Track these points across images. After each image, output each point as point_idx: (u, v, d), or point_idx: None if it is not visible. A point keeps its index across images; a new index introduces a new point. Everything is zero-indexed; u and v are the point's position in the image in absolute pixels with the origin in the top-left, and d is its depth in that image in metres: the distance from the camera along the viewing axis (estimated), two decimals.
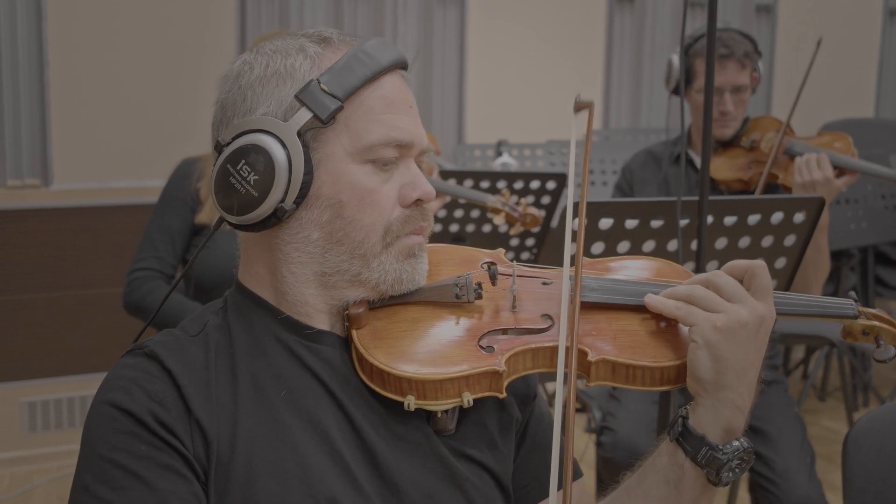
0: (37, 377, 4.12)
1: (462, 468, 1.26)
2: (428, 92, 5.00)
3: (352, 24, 4.73)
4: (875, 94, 6.27)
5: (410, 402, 1.18)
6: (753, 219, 2.14)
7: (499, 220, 2.85)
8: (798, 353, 5.49)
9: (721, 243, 2.14)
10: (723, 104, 2.97)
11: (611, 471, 2.83)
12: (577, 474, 1.43)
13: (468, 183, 2.97)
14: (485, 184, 2.98)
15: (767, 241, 2.17)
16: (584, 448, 3.56)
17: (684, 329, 1.24)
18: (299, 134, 1.18)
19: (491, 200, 2.84)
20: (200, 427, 1.15)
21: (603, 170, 4.49)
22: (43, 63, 4.06)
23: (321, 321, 1.25)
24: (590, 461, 3.30)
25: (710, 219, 2.07)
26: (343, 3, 4.70)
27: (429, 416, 1.25)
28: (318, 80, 1.18)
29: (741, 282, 1.23)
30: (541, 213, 2.90)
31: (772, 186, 2.99)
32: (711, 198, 2.03)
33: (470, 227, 3.02)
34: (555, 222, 3.17)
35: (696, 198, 2.00)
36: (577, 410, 3.58)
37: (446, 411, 1.24)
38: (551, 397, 2.74)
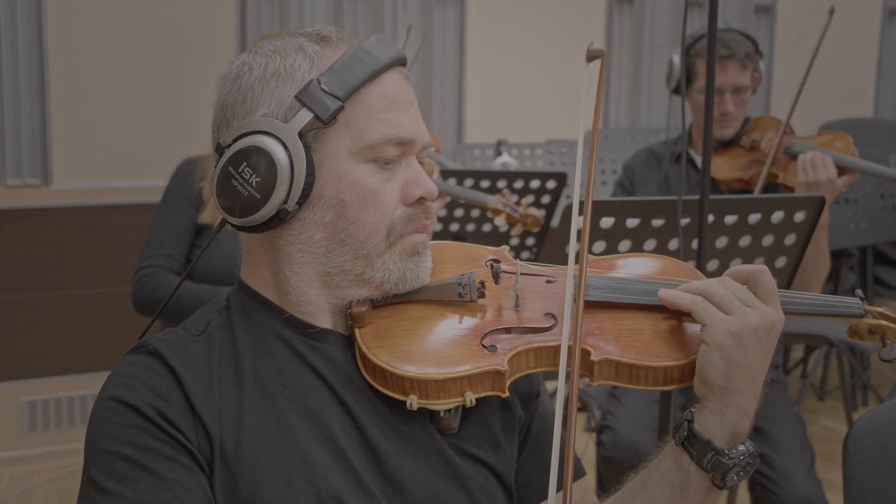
0: (36, 376, 4.11)
1: (465, 467, 1.26)
2: (427, 92, 5.00)
3: (351, 25, 4.73)
4: (874, 94, 6.27)
5: (413, 402, 1.18)
6: (754, 218, 2.14)
7: (499, 220, 2.85)
8: (797, 352, 5.49)
9: (722, 242, 2.14)
10: (723, 104, 2.97)
11: (611, 470, 2.83)
12: (580, 473, 1.43)
13: (468, 182, 2.96)
14: (485, 183, 2.98)
15: (768, 241, 2.18)
16: (585, 447, 3.55)
17: (689, 329, 1.24)
18: (300, 135, 1.18)
19: (492, 201, 2.83)
20: (203, 424, 1.15)
21: (602, 169, 4.49)
22: (43, 63, 4.06)
23: (324, 320, 1.25)
24: (590, 460, 3.30)
25: (710, 218, 2.07)
26: (343, 3, 4.70)
27: (432, 414, 1.25)
28: (317, 80, 1.18)
29: (746, 286, 1.22)
30: (541, 214, 2.89)
31: (772, 186, 3.00)
32: (712, 197, 2.04)
33: (470, 227, 3.02)
34: (555, 222, 3.17)
35: (697, 197, 2.00)
36: (577, 409, 3.58)
37: (449, 410, 1.24)
38: (552, 395, 2.74)
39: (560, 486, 1.05)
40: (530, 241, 3.10)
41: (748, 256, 2.18)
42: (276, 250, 1.24)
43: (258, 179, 1.17)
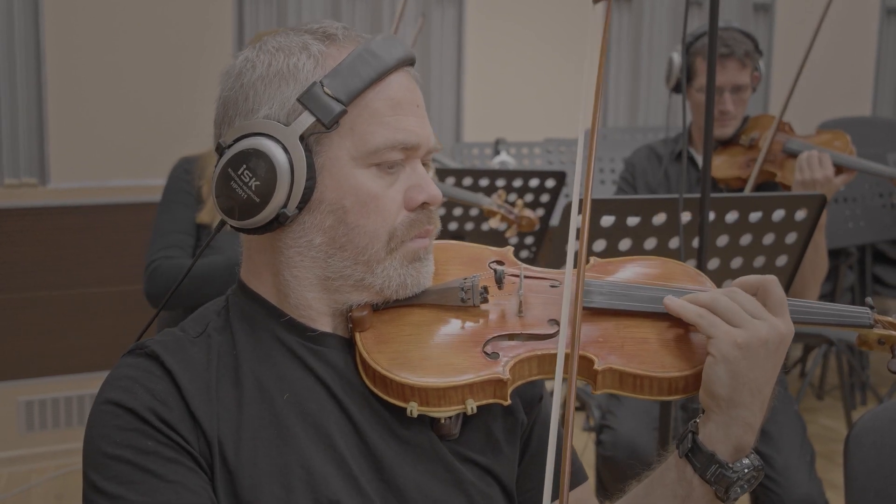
0: (34, 376, 4.10)
1: (466, 472, 1.24)
2: (426, 91, 4.99)
3: (349, 24, 4.71)
4: (872, 92, 6.27)
5: (413, 409, 1.16)
6: (755, 216, 2.13)
7: (494, 222, 2.83)
8: (795, 351, 5.49)
9: (722, 241, 2.13)
10: (722, 103, 2.97)
11: (611, 470, 2.82)
12: (581, 478, 1.40)
13: (467, 181, 2.95)
14: (484, 182, 2.97)
15: (769, 239, 2.17)
16: (584, 447, 3.55)
17: (695, 339, 1.22)
18: (302, 138, 1.15)
19: (487, 202, 2.80)
20: (202, 429, 1.14)
21: (601, 168, 4.48)
22: (40, 61, 4.04)
23: (324, 324, 1.24)
24: (589, 460, 3.29)
25: (711, 216, 2.07)
26: (341, 3, 4.69)
27: (432, 420, 1.23)
28: (321, 82, 1.16)
29: (755, 296, 1.20)
30: (537, 217, 2.88)
31: (770, 185, 2.99)
32: (713, 195, 2.03)
33: (469, 226, 3.01)
34: (554, 220, 3.17)
35: (697, 195, 2.00)
36: (577, 409, 3.57)
37: (450, 417, 1.23)
38: (551, 393, 2.73)
39: (556, 494, 1.03)
40: (529, 241, 3.10)
41: (749, 255, 2.17)
42: (275, 253, 1.23)
43: (257, 183, 1.15)
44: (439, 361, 1.18)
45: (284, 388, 1.19)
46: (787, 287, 2.25)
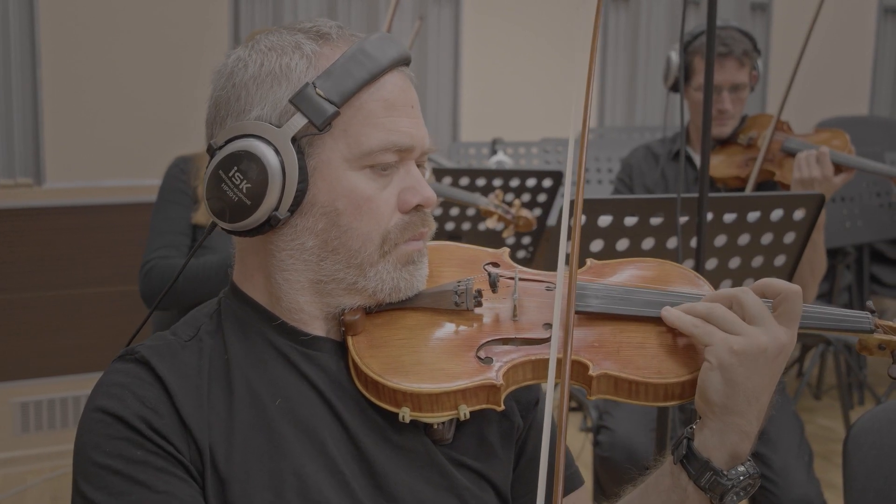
0: (29, 377, 4.09)
1: (461, 477, 1.22)
2: (423, 90, 4.99)
3: (345, 24, 4.70)
4: (870, 91, 6.27)
5: (406, 414, 1.14)
6: (753, 216, 2.12)
7: (492, 222, 2.82)
8: (793, 350, 5.48)
9: (721, 240, 2.12)
10: (721, 102, 2.96)
11: (608, 471, 2.81)
12: (577, 483, 1.39)
13: (464, 181, 2.94)
14: (481, 181, 2.96)
15: (767, 239, 2.16)
16: (581, 447, 3.54)
17: (693, 344, 1.19)
18: (294, 140, 1.14)
19: (483, 203, 2.79)
20: (193, 436, 1.12)
21: (598, 168, 4.47)
22: (35, 61, 4.03)
23: (317, 327, 1.22)
24: (586, 461, 3.28)
25: (709, 216, 2.06)
26: (337, 1, 4.68)
27: (426, 424, 1.21)
28: (313, 83, 1.14)
29: (771, 301, 1.18)
30: (533, 217, 2.87)
31: (769, 184, 2.98)
32: (711, 195, 2.02)
33: (466, 226, 3.00)
34: (551, 220, 3.16)
35: (695, 195, 1.99)
36: (574, 409, 3.56)
37: (443, 423, 1.21)
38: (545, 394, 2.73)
39: (549, 500, 1.01)
40: (526, 241, 3.09)
41: (747, 255, 2.16)
42: (267, 255, 1.21)
43: (248, 185, 1.13)
44: (432, 367, 1.16)
45: (276, 394, 1.17)
46: None
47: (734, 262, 2.17)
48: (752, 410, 1.14)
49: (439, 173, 2.89)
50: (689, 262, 2.05)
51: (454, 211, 2.96)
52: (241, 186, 1.14)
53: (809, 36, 2.86)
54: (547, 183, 3.02)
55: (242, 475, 1.12)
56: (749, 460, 1.16)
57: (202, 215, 2.69)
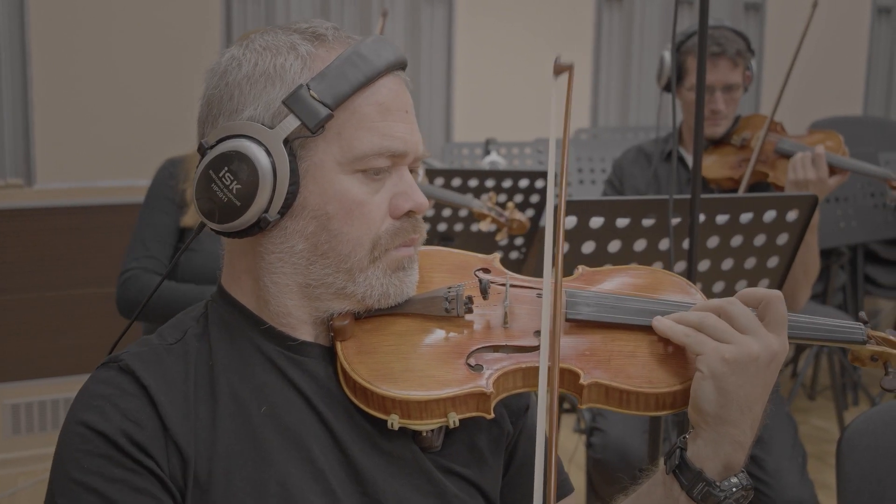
0: (21, 379, 4.07)
1: (450, 485, 1.21)
2: (416, 90, 4.96)
3: (338, 24, 4.68)
4: (863, 92, 6.27)
5: (394, 421, 1.13)
6: (746, 217, 2.12)
7: (485, 225, 2.81)
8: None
9: (713, 242, 2.11)
10: (714, 103, 2.95)
11: (602, 473, 2.80)
12: (567, 490, 1.38)
13: (456, 181, 2.93)
14: (473, 182, 2.95)
15: (760, 240, 2.15)
16: (574, 449, 3.53)
17: (685, 353, 1.18)
18: (286, 142, 1.12)
19: (476, 205, 2.78)
20: (177, 446, 1.10)
21: (592, 168, 4.46)
22: (26, 60, 4.01)
23: (305, 332, 1.21)
24: (579, 462, 3.27)
25: (702, 217, 2.05)
26: (330, 2, 4.67)
27: (415, 432, 1.20)
28: (307, 85, 1.13)
29: (756, 310, 1.17)
30: (527, 219, 2.86)
31: (762, 185, 2.98)
32: (703, 196, 2.01)
33: (458, 227, 2.99)
34: (544, 221, 3.15)
35: (688, 196, 1.98)
36: (567, 410, 3.56)
37: (432, 430, 1.20)
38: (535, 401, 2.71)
39: None
40: (519, 241, 3.08)
41: (740, 256, 2.15)
42: (256, 258, 1.19)
43: (239, 186, 1.12)
44: (421, 373, 1.15)
45: (262, 401, 1.16)
46: (779, 289, 2.23)
47: (727, 264, 2.16)
48: (746, 420, 1.13)
49: (432, 174, 2.88)
50: (682, 264, 2.05)
51: (446, 212, 2.95)
52: (231, 187, 1.13)
53: (803, 40, 2.86)
54: (540, 184, 3.01)
55: (224, 484, 1.10)
56: (743, 471, 1.15)
57: (191, 218, 2.68)
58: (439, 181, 2.90)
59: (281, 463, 1.13)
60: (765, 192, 2.95)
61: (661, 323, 1.18)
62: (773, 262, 2.20)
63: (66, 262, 4.07)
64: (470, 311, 1.22)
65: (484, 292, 1.24)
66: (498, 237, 2.83)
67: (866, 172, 2.91)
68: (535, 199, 3.03)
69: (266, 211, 1.13)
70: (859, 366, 1.27)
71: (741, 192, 2.84)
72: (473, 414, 1.16)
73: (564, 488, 1.37)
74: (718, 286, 2.17)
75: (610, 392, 1.16)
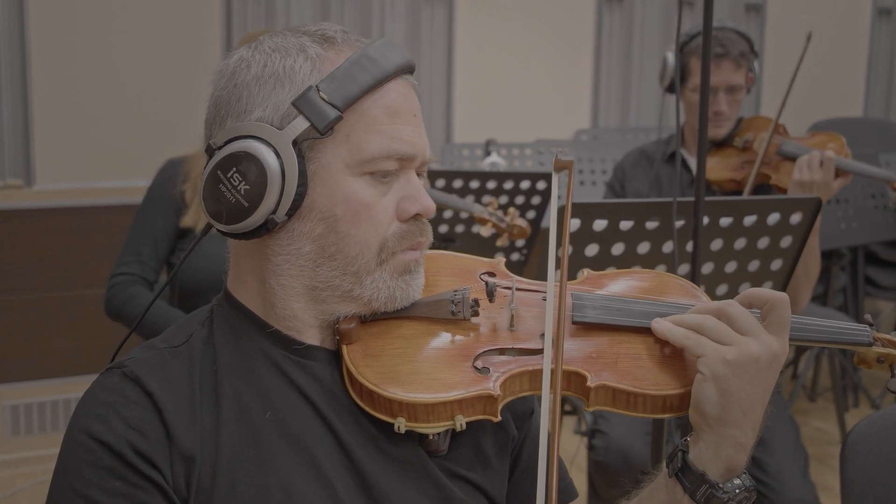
0: (21, 380, 4.06)
1: (456, 489, 1.21)
2: None
3: (338, 24, 4.68)
4: (864, 93, 6.26)
5: (401, 425, 1.13)
6: (749, 220, 2.11)
7: (486, 230, 2.81)
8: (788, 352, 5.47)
9: (717, 244, 2.11)
10: (716, 104, 2.94)
11: (603, 475, 2.80)
12: (571, 496, 1.38)
13: (457, 183, 2.92)
14: (474, 184, 2.94)
15: (763, 243, 2.15)
16: (576, 451, 3.52)
17: (689, 355, 1.18)
18: (295, 143, 1.12)
19: (478, 210, 2.77)
20: (182, 453, 1.10)
21: (592, 169, 4.46)
22: (25, 61, 4.00)
23: (311, 336, 1.20)
24: (581, 464, 3.26)
25: (705, 220, 2.04)
26: (330, 2, 4.66)
27: (420, 435, 1.20)
28: (317, 87, 1.13)
29: (759, 310, 1.17)
30: (528, 225, 2.85)
31: (765, 187, 2.97)
32: (707, 198, 2.01)
33: (459, 228, 2.98)
34: (546, 223, 3.14)
35: (691, 198, 1.97)
36: (568, 412, 3.55)
37: (439, 434, 1.20)
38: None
39: None
40: (520, 243, 3.07)
41: (743, 259, 2.15)
42: (262, 260, 1.19)
43: (247, 187, 1.12)
44: (428, 376, 1.15)
45: (267, 406, 1.15)
46: (782, 291, 2.22)
47: (730, 267, 2.15)
48: (748, 422, 1.13)
49: (433, 176, 2.88)
50: (685, 267, 2.04)
51: (447, 214, 2.94)
52: (239, 188, 1.13)
53: (805, 50, 2.86)
54: (541, 185, 3.00)
55: (228, 491, 1.10)
56: (745, 473, 1.15)
57: (191, 218, 2.68)
58: (440, 182, 2.89)
59: (285, 468, 1.12)
60: (767, 194, 2.95)
61: (660, 324, 1.19)
62: (776, 264, 2.19)
63: (66, 262, 4.07)
64: (476, 314, 1.22)
65: (490, 295, 1.24)
66: (499, 242, 2.82)
67: (869, 175, 2.91)
68: (535, 200, 3.02)
69: (274, 212, 1.13)
70: (865, 368, 1.27)
71: (745, 195, 2.84)
72: (481, 417, 1.15)
73: (568, 493, 1.37)
74: (722, 289, 2.16)
75: (617, 394, 1.16)
